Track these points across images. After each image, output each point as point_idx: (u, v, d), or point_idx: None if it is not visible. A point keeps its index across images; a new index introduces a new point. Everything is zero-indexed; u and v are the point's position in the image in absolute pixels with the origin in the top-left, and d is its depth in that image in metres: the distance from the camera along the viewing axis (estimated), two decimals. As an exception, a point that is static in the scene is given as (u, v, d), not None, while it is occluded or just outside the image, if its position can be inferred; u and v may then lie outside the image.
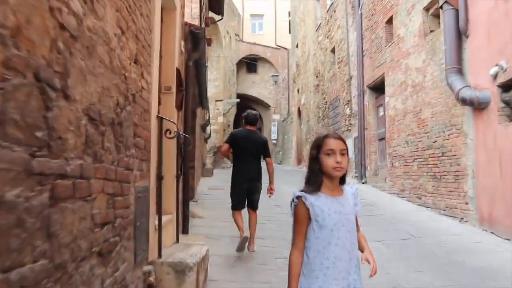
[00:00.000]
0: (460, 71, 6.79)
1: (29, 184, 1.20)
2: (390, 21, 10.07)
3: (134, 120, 2.53)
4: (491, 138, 6.05)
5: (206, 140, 16.04)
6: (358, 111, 12.29)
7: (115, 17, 2.09)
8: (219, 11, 19.12)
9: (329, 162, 1.89)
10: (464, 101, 6.47)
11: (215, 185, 11.33)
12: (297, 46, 22.70)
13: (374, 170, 11.54)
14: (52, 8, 1.35)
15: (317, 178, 1.94)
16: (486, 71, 6.09)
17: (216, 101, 25.55)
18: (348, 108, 13.41)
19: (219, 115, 25.42)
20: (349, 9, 13.40)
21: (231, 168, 5.83)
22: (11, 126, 1.10)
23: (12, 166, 1.10)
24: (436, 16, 8.09)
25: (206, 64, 7.80)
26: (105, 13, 1.93)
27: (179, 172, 4.25)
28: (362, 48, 12.11)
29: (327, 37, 16.11)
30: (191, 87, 5.75)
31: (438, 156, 7.56)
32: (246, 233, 5.25)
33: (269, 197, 5.73)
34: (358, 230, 2.08)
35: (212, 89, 25.52)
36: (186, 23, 4.95)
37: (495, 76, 5.90)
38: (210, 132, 16.56)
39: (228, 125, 27.61)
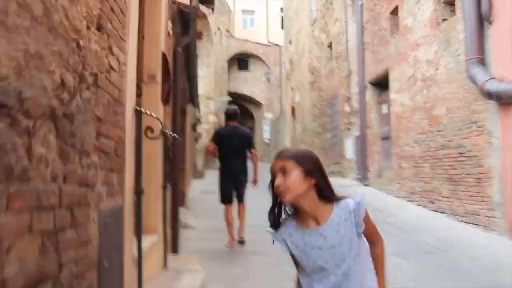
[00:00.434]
0: (482, 62, 6.06)
1: None
2: (395, 11, 9.34)
3: (97, 112, 1.73)
4: (522, 137, 5.35)
5: (197, 139, 15.22)
6: (359, 109, 11.56)
7: None
8: (210, 3, 18.31)
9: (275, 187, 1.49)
10: (490, 95, 5.75)
11: (207, 188, 10.52)
12: (290, 42, 21.94)
13: (378, 172, 10.81)
14: None
15: (274, 209, 1.56)
16: (515, 60, 5.38)
17: (206, 99, 24.72)
18: (348, 106, 12.68)
19: (210, 113, 24.58)
20: (348, 0, 12.66)
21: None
22: None
23: None
24: (449, 3, 7.37)
25: (196, 54, 7.00)
26: None
27: (167, 181, 3.45)
28: (363, 41, 11.38)
29: (324, 31, 15.37)
30: (180, 77, 4.97)
31: (455, 157, 6.84)
32: (235, 242, 5.41)
33: (252, 186, 5.78)
34: (373, 252, 1.68)
35: (203, 87, 24.63)
36: (174, 1, 4.16)
37: (527, 66, 5.19)
38: (201, 132, 15.74)
39: (220, 124, 26.78)
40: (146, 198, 3.31)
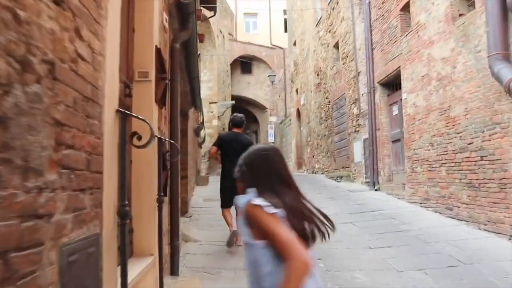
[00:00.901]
0: (507, 58, 5.59)
1: None
2: (406, 7, 8.89)
3: (56, 114, 1.28)
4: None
5: (200, 145, 14.78)
6: (367, 110, 11.09)
7: None
8: (212, 7, 17.93)
9: None
10: (517, 94, 5.28)
11: (211, 196, 10.04)
12: (294, 44, 21.52)
13: (388, 176, 10.33)
14: None
15: None
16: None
17: (210, 103, 24.35)
18: (356, 108, 12.21)
19: (213, 118, 24.21)
20: (354, -1, 12.22)
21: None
22: None
23: None
24: (466, -3, 6.93)
25: (198, 52, 6.56)
26: None
27: (162, 193, 3.00)
28: (371, 40, 10.93)
29: (329, 31, 14.93)
30: (179, 77, 4.54)
31: (476, 161, 6.36)
32: (235, 227, 5.51)
33: None
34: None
35: (206, 91, 24.31)
36: (170, -9, 3.74)
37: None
38: (205, 136, 15.28)
39: (223, 129, 26.29)
40: (139, 215, 2.88)
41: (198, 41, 10.83)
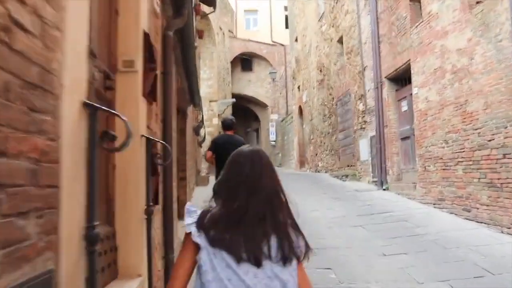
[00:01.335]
0: (532, 46, 5.13)
1: None
2: (416, -3, 8.43)
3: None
4: None
5: (200, 144, 14.32)
6: (374, 107, 10.63)
7: None
8: (211, 2, 17.46)
9: None
10: (546, 85, 4.81)
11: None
12: (296, 40, 21.04)
13: (397, 175, 9.88)
14: None
15: None
16: None
17: (210, 101, 23.90)
18: (362, 104, 11.74)
19: (213, 116, 23.75)
20: (359, -10, 11.74)
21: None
22: None
23: None
24: (482, -17, 6.44)
25: (195, 44, 6.11)
26: None
27: (151, 203, 2.55)
28: (378, 33, 10.46)
29: (332, 25, 14.45)
30: (173, 69, 4.09)
31: (497, 159, 5.89)
32: None
33: None
34: None
35: (206, 89, 23.88)
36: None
37: None
38: (205, 135, 14.80)
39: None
40: (125, 230, 2.43)
41: (195, 32, 10.37)
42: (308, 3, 17.93)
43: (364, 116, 11.60)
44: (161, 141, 2.62)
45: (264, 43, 28.98)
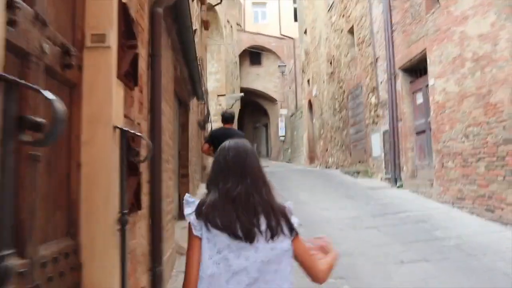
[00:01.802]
0: None
1: None
2: (432, -19, 7.87)
3: None
4: None
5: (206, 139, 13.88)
6: (387, 100, 10.09)
7: None
8: (218, -7, 17.02)
9: None
10: None
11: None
12: (305, 32, 20.47)
13: (412, 171, 9.35)
14: None
15: None
16: None
17: (218, 96, 23.47)
18: (374, 97, 11.20)
19: (221, 111, 23.27)
20: (371, -23, 11.17)
21: None
22: None
23: None
24: (507, -37, 5.89)
25: (194, 28, 5.65)
26: None
27: (125, 210, 2.10)
28: (391, 22, 9.91)
29: (343, 16, 13.89)
30: (168, 54, 3.65)
31: (526, 154, 5.37)
32: None
33: None
34: None
35: (214, 83, 23.46)
36: None
37: None
38: (211, 130, 14.38)
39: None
40: (92, 244, 1.99)
41: (200, 22, 9.90)
42: (318, -6, 17.36)
43: (376, 110, 11.07)
44: (139, 133, 2.16)
45: (273, 37, 28.46)
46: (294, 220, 1.55)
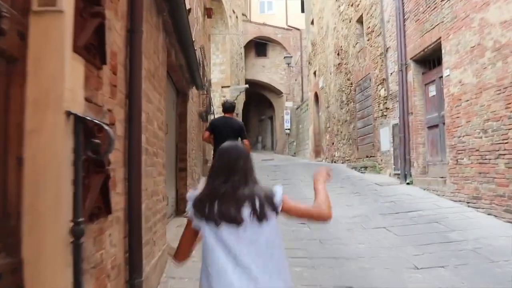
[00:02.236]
0: None
1: None
2: (449, -36, 7.34)
3: None
4: None
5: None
6: (398, 92, 9.60)
7: None
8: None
9: None
10: None
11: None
12: (312, 23, 19.92)
13: (423, 167, 8.88)
14: None
15: None
16: None
17: (222, 87, 23.02)
18: (383, 89, 10.70)
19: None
20: (383, -37, 10.62)
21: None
22: None
23: None
24: None
25: (188, 7, 5.19)
26: None
27: (80, 219, 1.66)
28: (403, 9, 9.38)
29: (351, 4, 13.35)
30: (153, 33, 3.21)
31: (553, 151, 4.89)
32: None
33: None
34: None
35: (218, 74, 23.03)
36: None
37: None
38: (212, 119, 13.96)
39: (237, 114, 24.83)
40: (35, 261, 1.56)
41: (203, 10, 9.42)
42: (326, -18, 16.78)
43: (386, 103, 10.57)
44: (100, 121, 1.72)
45: (279, 27, 27.89)
46: (278, 191, 1.74)
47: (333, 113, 15.87)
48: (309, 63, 21.16)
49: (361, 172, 11.28)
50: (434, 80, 8.48)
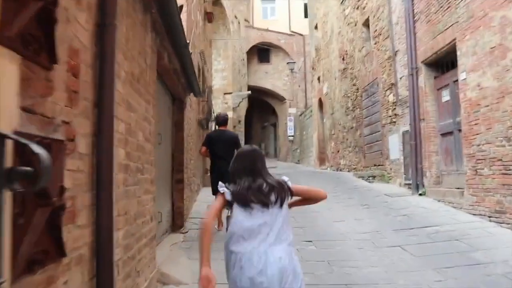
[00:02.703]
0: None
1: None
2: (464, -39, 6.86)
3: None
4: None
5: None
6: (408, 97, 9.09)
7: None
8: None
9: None
10: None
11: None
12: (316, 28, 19.46)
13: (436, 177, 8.34)
14: None
15: None
16: None
17: (224, 94, 22.59)
18: (392, 94, 10.20)
19: (228, 109, 22.41)
20: (390, -37, 10.16)
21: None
22: None
23: None
24: None
25: (180, 4, 4.72)
26: None
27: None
28: (413, 10, 8.90)
29: (357, 7, 12.88)
30: (139, 32, 2.74)
31: None
32: (222, 227, 5.84)
33: None
34: None
35: (220, 81, 22.62)
36: None
37: None
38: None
39: (239, 121, 24.49)
40: None
41: (203, 13, 8.97)
42: (330, -15, 16.34)
43: (395, 109, 10.06)
44: (25, 140, 1.22)
45: (282, 33, 27.49)
46: (287, 180, 2.40)
47: (338, 120, 15.36)
48: (313, 68, 20.69)
49: (369, 182, 10.75)
50: (447, 85, 7.97)
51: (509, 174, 5.70)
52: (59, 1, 1.59)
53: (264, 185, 2.28)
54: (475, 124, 6.57)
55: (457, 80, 7.32)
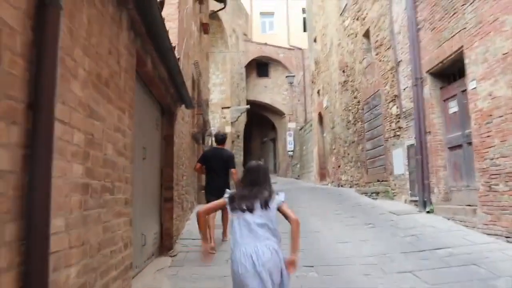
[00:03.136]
0: None
1: None
2: (472, -37, 6.47)
3: None
4: None
5: (205, 154, 12.43)
6: (413, 109, 8.63)
7: None
8: (221, -2, 15.82)
9: None
10: None
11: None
12: (315, 41, 19.13)
13: (445, 193, 7.83)
14: None
15: None
16: None
17: (222, 108, 22.20)
18: (395, 106, 9.74)
19: (226, 124, 22.02)
20: (391, -29, 9.80)
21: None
22: None
23: None
24: None
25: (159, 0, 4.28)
26: None
27: None
28: (416, 18, 8.50)
29: (357, 18, 12.53)
30: (110, 28, 2.29)
31: None
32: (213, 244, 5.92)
33: None
34: None
35: (218, 95, 22.25)
36: None
37: None
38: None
39: (238, 136, 24.01)
40: None
41: (199, 24, 8.57)
42: (329, -3, 16.04)
43: (398, 121, 9.59)
44: None
45: (281, 47, 27.20)
46: (282, 195, 2.85)
47: (339, 134, 14.89)
48: (312, 82, 20.31)
49: (373, 198, 10.22)
50: (455, 95, 7.52)
51: (529, 191, 5.20)
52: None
53: (255, 193, 2.78)
54: (488, 136, 6.10)
55: (465, 90, 6.87)
